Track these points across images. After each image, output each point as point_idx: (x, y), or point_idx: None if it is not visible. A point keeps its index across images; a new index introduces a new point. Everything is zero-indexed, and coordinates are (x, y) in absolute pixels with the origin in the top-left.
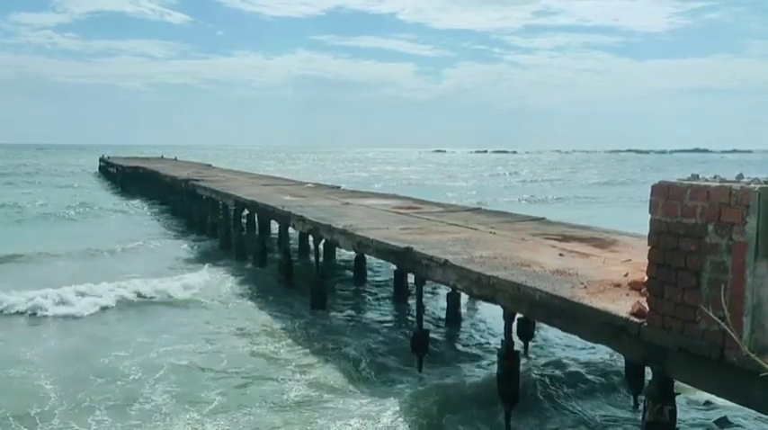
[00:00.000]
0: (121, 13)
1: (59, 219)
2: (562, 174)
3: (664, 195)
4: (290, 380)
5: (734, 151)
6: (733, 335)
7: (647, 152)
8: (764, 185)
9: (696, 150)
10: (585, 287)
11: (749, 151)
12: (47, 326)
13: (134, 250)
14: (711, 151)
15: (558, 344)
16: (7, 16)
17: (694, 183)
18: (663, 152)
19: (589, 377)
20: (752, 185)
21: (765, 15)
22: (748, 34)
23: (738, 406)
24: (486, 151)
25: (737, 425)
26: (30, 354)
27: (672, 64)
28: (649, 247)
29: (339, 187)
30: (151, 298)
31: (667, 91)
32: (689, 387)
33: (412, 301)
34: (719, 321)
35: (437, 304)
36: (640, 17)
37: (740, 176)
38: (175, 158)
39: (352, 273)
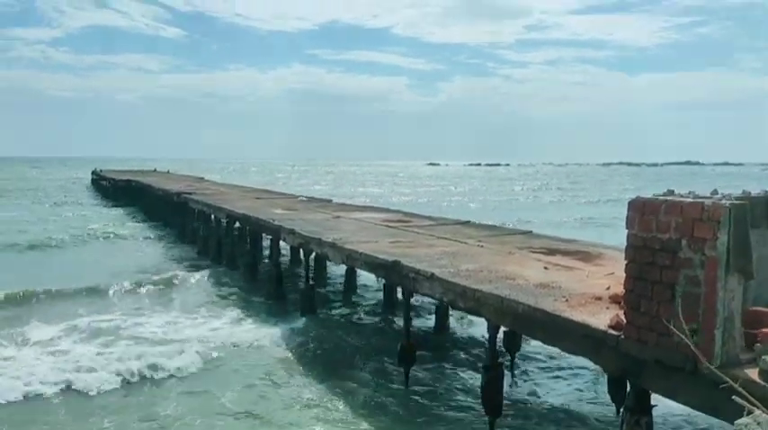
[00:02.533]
0: (115, 27)
1: (50, 245)
2: (582, 188)
3: (640, 211)
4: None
5: (725, 164)
6: (690, 344)
7: (638, 165)
8: (735, 202)
9: (688, 163)
10: (567, 300)
11: (741, 164)
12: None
13: (128, 287)
14: (703, 164)
15: (545, 356)
16: (1, 31)
17: (669, 198)
18: (654, 165)
19: (574, 388)
20: (723, 202)
21: (755, 30)
22: (739, 49)
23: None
24: (479, 164)
25: None
26: None
27: (663, 77)
28: (626, 262)
29: (330, 200)
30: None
31: (658, 104)
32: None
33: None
34: (680, 334)
35: (426, 315)
36: (632, 32)
37: (714, 192)
38: (168, 172)
39: (342, 286)
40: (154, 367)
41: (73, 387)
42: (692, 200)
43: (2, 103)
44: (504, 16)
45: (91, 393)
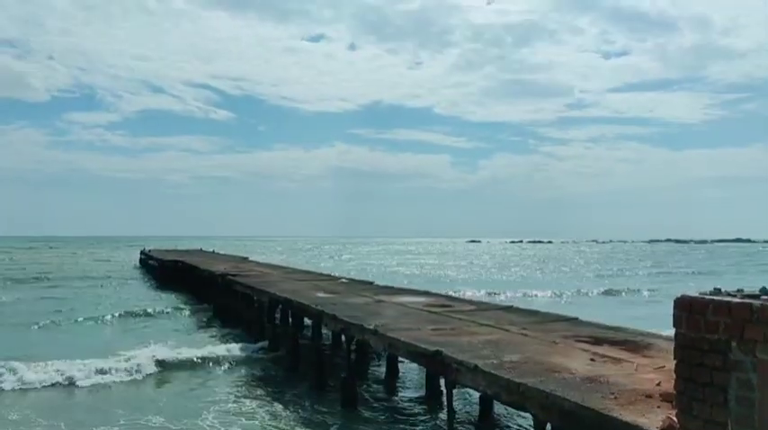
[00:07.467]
0: (169, 111)
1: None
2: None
3: (686, 309)
4: None
5: None
6: None
7: (686, 242)
8: None
9: (738, 240)
10: (616, 397)
11: None
12: None
13: None
14: (754, 241)
15: None
16: (61, 115)
17: (716, 298)
18: (703, 242)
19: None
20: None
21: None
22: None
23: None
24: (521, 241)
25: None
26: None
27: (708, 153)
28: (675, 361)
29: (372, 283)
30: None
31: (705, 180)
32: None
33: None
34: None
35: (470, 405)
36: (675, 109)
37: (763, 290)
38: (213, 251)
39: (384, 371)
40: None
41: None
42: (739, 300)
43: (59, 184)
44: (545, 95)
45: None
